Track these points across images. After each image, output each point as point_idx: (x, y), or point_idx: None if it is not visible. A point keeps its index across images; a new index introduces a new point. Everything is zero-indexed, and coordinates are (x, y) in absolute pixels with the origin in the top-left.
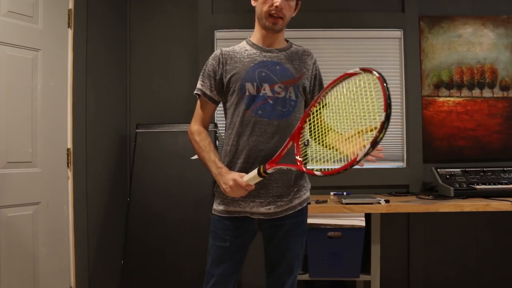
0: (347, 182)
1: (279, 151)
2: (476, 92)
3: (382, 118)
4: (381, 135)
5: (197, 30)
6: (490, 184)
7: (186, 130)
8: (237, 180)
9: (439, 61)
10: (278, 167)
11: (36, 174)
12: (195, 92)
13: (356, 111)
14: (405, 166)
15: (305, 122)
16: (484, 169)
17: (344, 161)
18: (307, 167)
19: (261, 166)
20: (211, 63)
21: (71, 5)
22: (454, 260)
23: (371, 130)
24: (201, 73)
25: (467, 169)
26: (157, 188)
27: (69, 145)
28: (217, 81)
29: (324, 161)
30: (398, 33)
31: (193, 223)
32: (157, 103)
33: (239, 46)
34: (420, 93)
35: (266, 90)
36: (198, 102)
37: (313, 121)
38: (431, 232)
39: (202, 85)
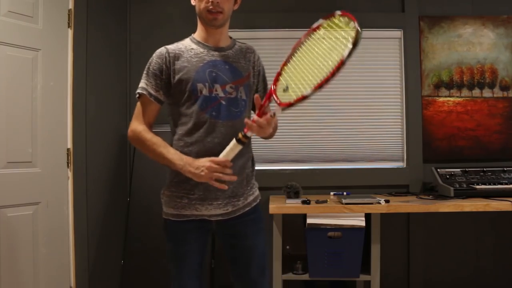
0: (347, 182)
1: (257, 112)
2: (476, 92)
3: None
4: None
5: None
6: (490, 184)
7: None
8: (214, 159)
9: (439, 61)
10: (261, 119)
11: (36, 174)
12: (138, 91)
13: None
14: (405, 166)
15: (278, 80)
16: (484, 169)
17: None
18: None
19: (239, 133)
20: (156, 61)
21: (71, 5)
22: (454, 260)
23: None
24: (145, 72)
25: (467, 169)
26: (157, 188)
27: (69, 145)
28: (164, 81)
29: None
30: (398, 33)
31: None
32: None
33: (183, 44)
34: (420, 93)
35: (218, 90)
36: (139, 103)
37: (287, 74)
38: (431, 232)
39: (146, 85)
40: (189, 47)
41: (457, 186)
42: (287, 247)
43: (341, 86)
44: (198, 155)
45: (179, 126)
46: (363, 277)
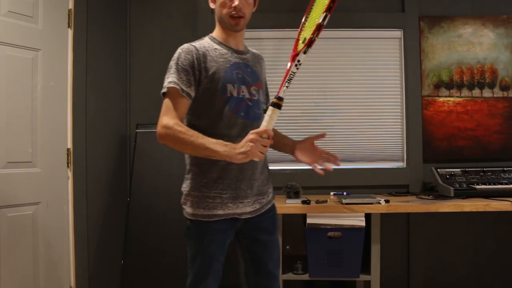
0: (347, 182)
1: (286, 72)
2: (476, 92)
3: None
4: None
5: (197, 30)
6: (490, 184)
7: None
8: (255, 131)
9: (439, 61)
10: (287, 77)
11: (36, 174)
12: (170, 85)
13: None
14: (405, 166)
15: (300, 34)
16: (484, 169)
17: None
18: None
19: (274, 99)
20: (185, 57)
21: (71, 5)
22: (454, 260)
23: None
24: (174, 68)
25: (467, 169)
26: (157, 188)
27: (69, 145)
28: (196, 77)
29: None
30: (398, 33)
31: None
32: (157, 103)
33: (205, 43)
34: (420, 93)
35: (244, 92)
36: (171, 98)
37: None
38: (431, 232)
39: (177, 79)
40: (212, 47)
41: (457, 186)
42: (287, 247)
43: (341, 86)
44: None
45: (203, 126)
46: (363, 277)
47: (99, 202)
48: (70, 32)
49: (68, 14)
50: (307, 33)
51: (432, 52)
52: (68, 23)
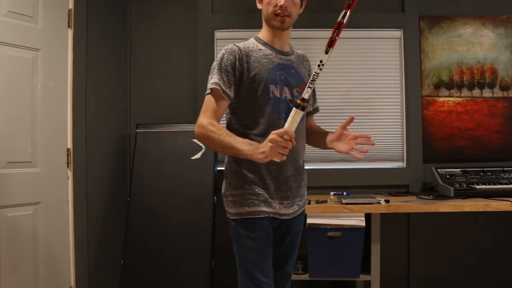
0: (347, 182)
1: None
2: (476, 92)
3: None
4: None
5: (197, 30)
6: (490, 184)
7: (186, 130)
8: (275, 131)
9: (439, 61)
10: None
11: (36, 174)
12: (211, 86)
13: None
14: (405, 166)
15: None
16: (484, 169)
17: None
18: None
19: (298, 100)
20: (227, 57)
21: (71, 5)
22: (454, 260)
23: None
24: (217, 68)
25: (467, 169)
26: (157, 188)
27: (69, 145)
28: (236, 78)
29: None
30: (398, 33)
31: (193, 223)
32: (157, 103)
33: (250, 44)
34: (420, 93)
35: (287, 93)
36: (210, 98)
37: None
38: (431, 232)
39: (219, 79)
40: (256, 47)
41: (457, 186)
42: None
43: (341, 86)
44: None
45: (250, 125)
46: (363, 277)
47: (99, 202)
48: (70, 32)
49: (68, 14)
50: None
51: (432, 52)
52: (68, 23)
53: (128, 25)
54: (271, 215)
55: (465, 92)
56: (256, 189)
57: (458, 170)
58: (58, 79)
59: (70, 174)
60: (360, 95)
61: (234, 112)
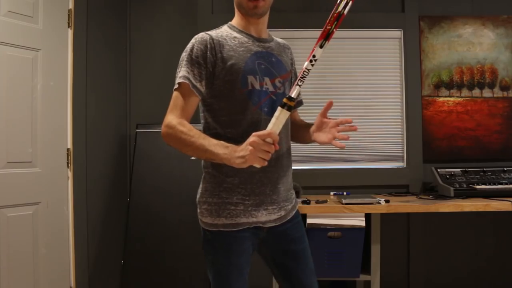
0: (347, 182)
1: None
2: (476, 92)
3: None
4: None
5: (197, 30)
6: (490, 184)
7: None
8: (257, 133)
9: (439, 61)
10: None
11: (36, 174)
12: (179, 80)
13: None
14: (405, 166)
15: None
16: (484, 169)
17: None
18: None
19: (284, 99)
20: (198, 47)
21: (71, 5)
22: (454, 260)
23: None
24: (185, 59)
25: (467, 169)
26: (157, 188)
27: (69, 145)
28: (208, 70)
29: None
30: (398, 33)
31: (193, 223)
32: (157, 103)
33: (223, 32)
34: (420, 93)
35: (268, 84)
36: (178, 94)
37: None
38: (431, 232)
39: (188, 73)
40: (231, 35)
41: (457, 186)
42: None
43: (341, 86)
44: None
45: (222, 123)
46: (363, 277)
47: (99, 202)
48: (70, 32)
49: (68, 14)
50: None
51: (432, 52)
52: (68, 23)
53: (128, 25)
54: (252, 226)
55: (465, 92)
56: (235, 197)
57: (458, 170)
58: (58, 79)
59: (70, 174)
60: (360, 95)
61: (209, 108)
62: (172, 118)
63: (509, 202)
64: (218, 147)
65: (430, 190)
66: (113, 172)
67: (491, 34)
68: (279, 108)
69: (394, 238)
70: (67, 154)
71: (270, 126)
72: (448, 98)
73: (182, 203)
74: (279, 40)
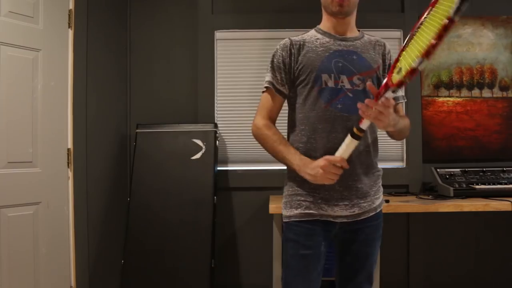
0: None
1: (375, 97)
2: (475, 92)
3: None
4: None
5: (197, 30)
6: (489, 184)
7: (186, 130)
8: (329, 158)
9: (438, 61)
10: (372, 108)
11: (36, 174)
12: (265, 85)
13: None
14: (404, 166)
15: (395, 67)
16: (484, 169)
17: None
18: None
19: (353, 127)
20: (280, 54)
21: (71, 6)
22: (454, 260)
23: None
24: (270, 65)
25: (466, 169)
26: (157, 188)
27: (70, 145)
28: (288, 73)
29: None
30: (398, 33)
31: (193, 223)
32: (157, 103)
33: (308, 35)
34: (420, 93)
35: (344, 82)
36: (266, 96)
37: (404, 58)
38: (431, 232)
39: (272, 78)
40: (314, 37)
41: (457, 186)
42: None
43: None
44: (322, 151)
45: (301, 120)
46: None
47: (99, 202)
48: (70, 32)
49: (69, 15)
50: (405, 63)
51: None
52: (69, 23)
53: (128, 25)
54: (323, 219)
55: (464, 92)
56: (306, 189)
57: (458, 170)
58: (59, 79)
59: (70, 174)
60: None
61: (292, 107)
62: (259, 120)
63: (509, 202)
64: (294, 156)
65: (430, 190)
66: (113, 172)
67: (491, 35)
68: (349, 136)
69: (394, 238)
70: (68, 154)
71: (340, 151)
72: (448, 98)
73: (182, 203)
74: (372, 37)
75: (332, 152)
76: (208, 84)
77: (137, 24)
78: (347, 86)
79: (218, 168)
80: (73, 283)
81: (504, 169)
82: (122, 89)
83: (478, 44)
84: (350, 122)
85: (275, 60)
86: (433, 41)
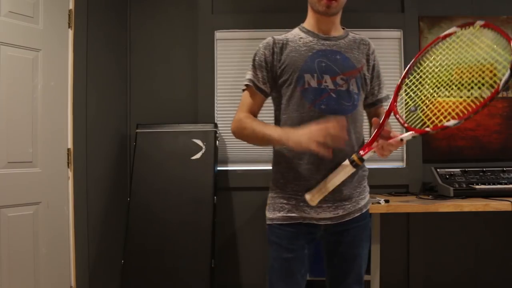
0: None
1: (375, 132)
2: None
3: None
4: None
5: (197, 30)
6: (489, 184)
7: (186, 130)
8: (324, 125)
9: (438, 61)
10: (380, 144)
11: (36, 174)
12: (245, 83)
13: (464, 68)
14: (404, 166)
15: (398, 95)
16: (484, 169)
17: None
18: (419, 128)
19: (354, 155)
20: (262, 52)
21: (71, 6)
22: (454, 259)
23: (491, 81)
24: (251, 63)
25: (466, 169)
26: (157, 188)
27: (70, 145)
28: (270, 72)
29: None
30: (398, 33)
31: (193, 223)
32: (157, 103)
33: (291, 34)
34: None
35: (328, 82)
36: (246, 93)
37: (411, 90)
38: (431, 232)
39: (253, 76)
40: (297, 36)
41: (457, 186)
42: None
43: None
44: (305, 153)
45: (285, 121)
46: None
47: (99, 202)
48: (70, 32)
49: (69, 15)
50: (419, 107)
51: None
52: (69, 23)
53: (128, 25)
54: (306, 221)
55: (464, 92)
56: (288, 193)
57: (458, 170)
58: (59, 79)
59: (70, 174)
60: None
61: (277, 108)
62: (239, 114)
63: (509, 202)
64: (275, 129)
65: (430, 190)
66: (113, 172)
67: (491, 35)
68: (347, 163)
69: (393, 238)
70: (68, 154)
71: (334, 178)
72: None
73: (182, 203)
74: (357, 36)
75: (314, 154)
76: (208, 84)
77: (137, 24)
78: (331, 86)
79: (218, 168)
80: (73, 283)
81: (504, 169)
82: (122, 89)
83: (478, 44)
84: None
85: (256, 58)
86: (474, 107)
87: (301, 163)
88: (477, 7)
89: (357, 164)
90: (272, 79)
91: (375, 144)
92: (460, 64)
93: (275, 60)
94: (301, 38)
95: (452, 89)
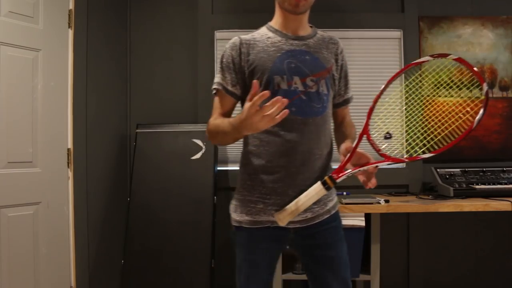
0: (347, 182)
1: (348, 156)
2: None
3: (484, 90)
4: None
5: (197, 30)
6: (489, 184)
7: (186, 130)
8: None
9: (438, 61)
10: (355, 170)
11: (36, 174)
12: (213, 87)
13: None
14: (404, 166)
15: (370, 118)
16: (484, 169)
17: (443, 143)
18: (397, 156)
19: (326, 178)
20: (229, 53)
21: (71, 5)
22: (454, 260)
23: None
24: (219, 66)
25: (466, 169)
26: (157, 188)
27: (70, 145)
28: (239, 73)
29: (415, 148)
30: (398, 34)
31: (193, 223)
32: (157, 103)
33: (259, 33)
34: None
35: (298, 83)
36: (216, 98)
37: (383, 116)
38: (431, 232)
39: (222, 79)
40: (265, 36)
41: (457, 186)
42: (287, 246)
43: None
44: (275, 155)
45: None
46: (363, 277)
47: (99, 202)
48: (70, 32)
49: (69, 15)
50: (394, 134)
51: (431, 52)
52: (69, 23)
53: (128, 25)
54: (274, 225)
55: (464, 92)
56: (255, 196)
57: (458, 170)
58: (59, 79)
59: (70, 174)
60: (360, 95)
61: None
62: (210, 119)
63: (509, 202)
64: (228, 120)
65: (430, 190)
66: (113, 172)
67: (491, 35)
68: (319, 183)
69: (393, 238)
70: (68, 154)
71: (304, 198)
72: (448, 99)
73: (182, 203)
74: (326, 35)
75: (284, 157)
76: (208, 84)
77: (137, 24)
78: (300, 88)
79: (218, 168)
80: (73, 283)
81: (504, 169)
82: (122, 89)
83: (478, 44)
84: (305, 125)
85: (224, 60)
86: (451, 143)
87: (269, 165)
88: (476, 7)
89: (329, 187)
90: (241, 80)
91: (356, 170)
92: (429, 97)
93: (242, 61)
94: (269, 37)
95: (427, 120)
